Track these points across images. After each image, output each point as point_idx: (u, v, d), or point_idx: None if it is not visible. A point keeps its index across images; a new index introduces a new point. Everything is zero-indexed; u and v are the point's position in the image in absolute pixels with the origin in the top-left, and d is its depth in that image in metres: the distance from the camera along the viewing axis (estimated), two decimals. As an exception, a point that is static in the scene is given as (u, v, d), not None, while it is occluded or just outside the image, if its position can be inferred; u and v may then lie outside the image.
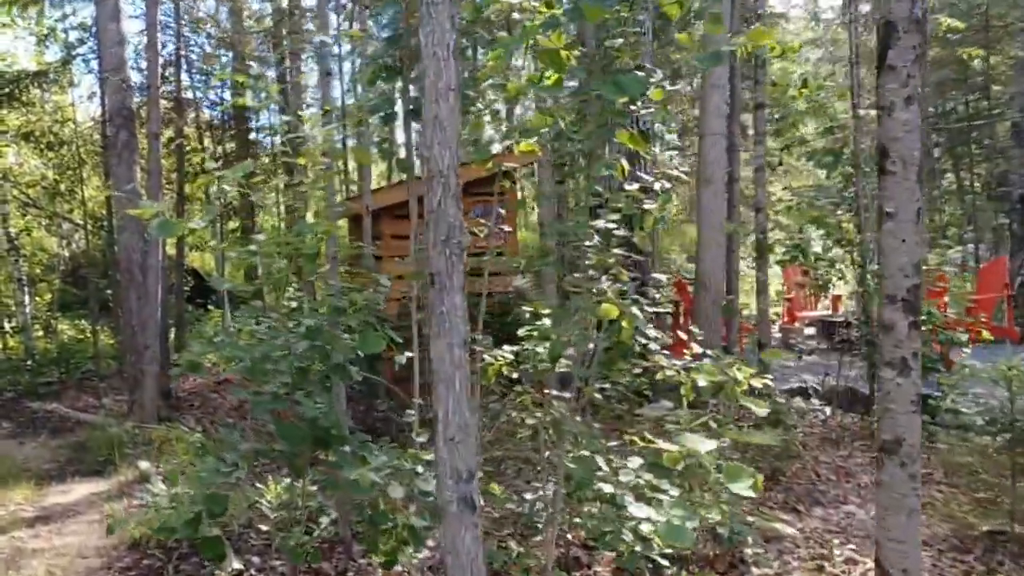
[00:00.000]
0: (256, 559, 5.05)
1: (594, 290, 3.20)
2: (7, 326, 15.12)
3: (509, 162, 4.24)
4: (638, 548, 3.12)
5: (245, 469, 3.33)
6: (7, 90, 13.68)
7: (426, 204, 2.32)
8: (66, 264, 18.47)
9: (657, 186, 3.27)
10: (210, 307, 17.13)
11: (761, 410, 2.89)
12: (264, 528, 5.29)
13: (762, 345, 7.74)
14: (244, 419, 9.01)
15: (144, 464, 7.30)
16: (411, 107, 3.61)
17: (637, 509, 3.13)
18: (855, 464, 6.75)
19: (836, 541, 4.86)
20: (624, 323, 2.99)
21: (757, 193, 7.60)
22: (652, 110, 3.18)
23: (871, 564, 4.61)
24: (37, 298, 16.95)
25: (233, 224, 17.32)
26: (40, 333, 15.56)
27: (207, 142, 16.85)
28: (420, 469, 3.06)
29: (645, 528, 3.32)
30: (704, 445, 2.56)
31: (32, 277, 16.54)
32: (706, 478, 3.95)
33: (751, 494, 2.35)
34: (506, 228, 7.37)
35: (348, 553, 5.04)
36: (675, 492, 3.53)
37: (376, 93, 3.90)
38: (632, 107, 3.18)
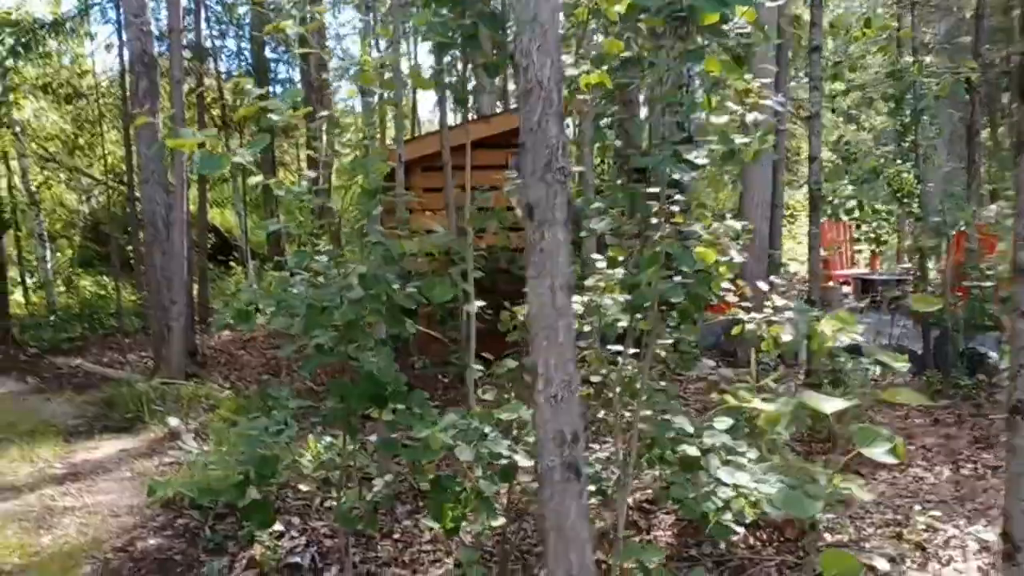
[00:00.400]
0: (296, 519, 4.84)
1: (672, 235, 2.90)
2: (28, 281, 14.97)
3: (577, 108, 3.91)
4: (727, 516, 2.84)
5: (295, 428, 3.07)
6: (23, 41, 13.32)
7: (522, 123, 1.99)
8: (86, 220, 18.27)
9: (751, 118, 2.92)
10: (232, 264, 16.94)
11: (901, 364, 2.57)
12: (304, 488, 5.07)
13: (812, 302, 7.39)
14: (275, 376, 8.79)
15: (174, 421, 7.13)
16: (468, 33, 3.25)
17: (727, 474, 2.85)
18: (915, 426, 6.45)
19: (917, 507, 4.57)
20: (721, 269, 2.68)
21: (811, 142, 7.19)
22: (748, 30, 2.82)
23: (953, 532, 4.34)
24: (58, 254, 16.80)
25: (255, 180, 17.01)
26: (62, 289, 15.43)
27: (227, 95, 16.47)
28: (488, 430, 2.78)
29: (725, 493, 3.04)
30: (830, 404, 2.25)
31: (52, 233, 16.37)
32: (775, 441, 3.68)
33: (891, 459, 2.05)
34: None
35: (392, 515, 4.83)
36: (752, 455, 3.26)
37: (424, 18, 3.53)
38: (724, 26, 2.82)
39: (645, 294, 2.61)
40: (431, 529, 4.36)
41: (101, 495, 5.55)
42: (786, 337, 3.31)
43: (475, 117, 11.05)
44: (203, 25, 13.89)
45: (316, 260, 3.03)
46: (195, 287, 13.16)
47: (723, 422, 3.05)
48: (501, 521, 2.91)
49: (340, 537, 3.64)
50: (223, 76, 15.84)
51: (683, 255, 2.59)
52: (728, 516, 2.87)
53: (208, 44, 14.50)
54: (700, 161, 2.68)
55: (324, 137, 13.49)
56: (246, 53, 16.21)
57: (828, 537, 4.19)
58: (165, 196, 8.84)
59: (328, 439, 4.95)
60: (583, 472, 2.03)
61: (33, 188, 14.15)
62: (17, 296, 14.30)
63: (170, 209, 8.87)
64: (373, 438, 3.54)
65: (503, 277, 6.60)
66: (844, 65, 7.56)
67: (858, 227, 9.17)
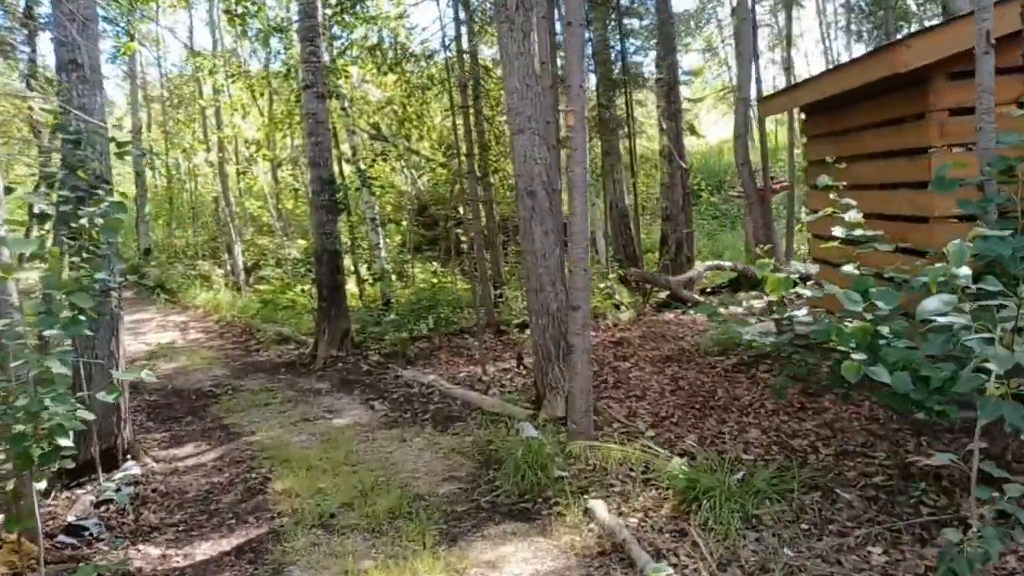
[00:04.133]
0: None
1: None
2: (363, 271, 13.57)
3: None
4: None
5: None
6: (351, -1, 11.68)
7: None
8: (413, 202, 16.91)
9: None
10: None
11: None
12: None
13: None
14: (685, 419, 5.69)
15: (601, 511, 4.31)
16: None
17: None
18: None
19: None
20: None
21: None
22: None
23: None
24: (386, 239, 15.48)
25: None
26: (393, 278, 13.92)
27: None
28: None
29: None
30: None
31: (384, 217, 15.02)
32: None
33: None
34: None
35: None
36: None
37: None
38: None
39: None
40: None
41: None
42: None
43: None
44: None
45: None
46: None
47: None
48: None
49: None
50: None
51: None
52: None
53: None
54: None
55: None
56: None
57: None
58: (547, 153, 6.11)
59: None
60: None
61: (363, 167, 12.55)
62: (350, 286, 12.87)
63: (549, 171, 6.15)
64: None
65: None
66: None
67: None
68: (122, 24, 13.25)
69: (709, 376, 7.09)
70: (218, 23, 17.98)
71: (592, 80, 13.91)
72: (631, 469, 4.86)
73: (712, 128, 29.14)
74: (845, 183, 7.15)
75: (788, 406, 5.95)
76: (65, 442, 3.51)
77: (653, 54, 19.20)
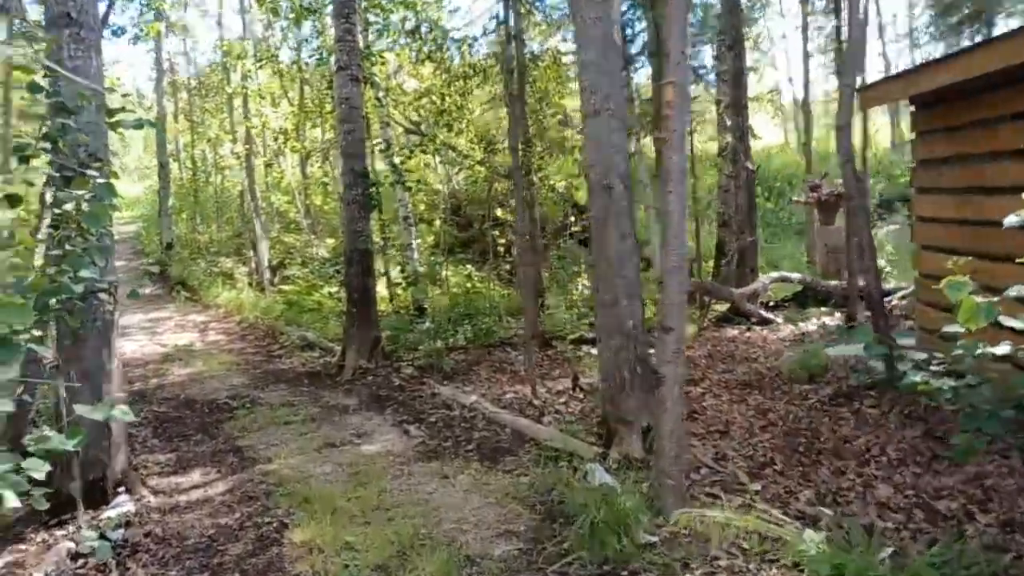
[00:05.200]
0: None
1: None
2: (393, 273, 12.62)
3: None
4: None
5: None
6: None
7: None
8: (446, 201, 15.94)
9: None
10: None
11: None
12: None
13: None
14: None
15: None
16: None
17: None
18: None
19: None
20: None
21: None
22: None
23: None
24: (418, 240, 14.53)
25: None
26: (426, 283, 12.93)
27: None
28: None
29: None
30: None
31: (416, 216, 14.07)
32: None
33: None
34: None
35: None
36: None
37: None
38: None
39: None
40: None
41: None
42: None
43: None
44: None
45: None
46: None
47: None
48: None
49: None
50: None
51: None
52: None
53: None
54: None
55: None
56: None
57: None
58: (623, 138, 5.11)
59: None
60: None
61: (397, 162, 11.60)
62: (380, 289, 11.93)
63: (627, 161, 5.15)
64: None
65: None
66: None
67: None
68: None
69: (802, 409, 6.03)
70: (248, 8, 17.17)
71: (641, 76, 12.89)
72: (741, 538, 3.83)
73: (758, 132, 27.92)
74: (964, 185, 6.10)
75: (916, 454, 4.88)
76: (10, 499, 2.59)
77: (708, 48, 18.16)
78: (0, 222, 3.35)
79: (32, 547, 4.27)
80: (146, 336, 11.87)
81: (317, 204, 18.23)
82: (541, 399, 6.93)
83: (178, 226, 20.42)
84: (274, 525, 4.55)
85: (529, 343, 7.80)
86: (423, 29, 11.82)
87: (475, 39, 12.08)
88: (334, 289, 12.42)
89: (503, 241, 14.15)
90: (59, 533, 4.41)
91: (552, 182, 13.24)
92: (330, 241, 16.97)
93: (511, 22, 9.81)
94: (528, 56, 11.20)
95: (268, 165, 17.07)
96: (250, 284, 15.87)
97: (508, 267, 14.35)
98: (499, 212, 14.26)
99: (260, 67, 14.36)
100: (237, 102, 17.56)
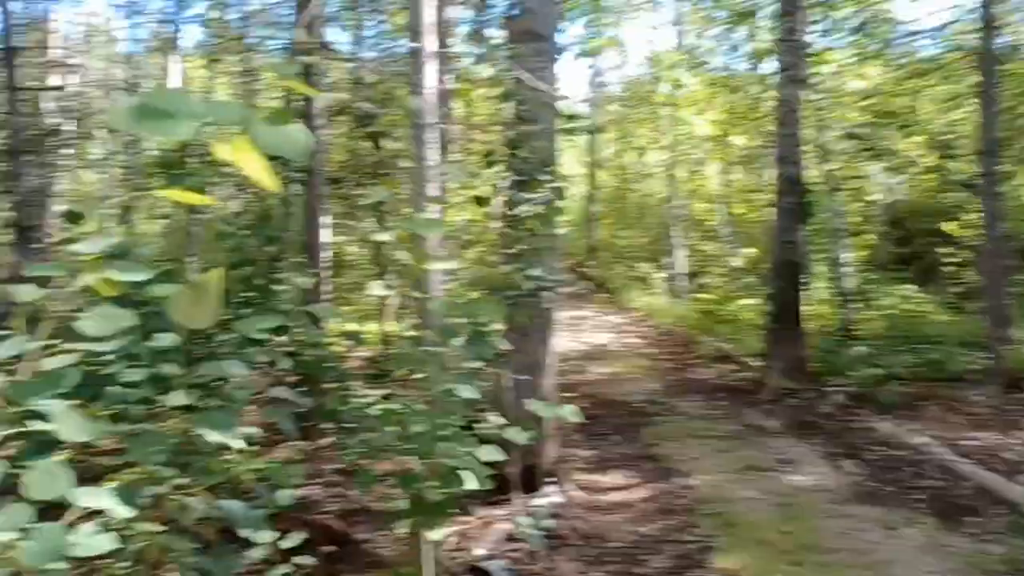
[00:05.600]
0: None
1: None
2: (821, 288, 11.67)
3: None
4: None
5: None
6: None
7: None
8: (884, 213, 14.32)
9: None
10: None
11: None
12: None
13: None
14: None
15: None
16: None
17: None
18: None
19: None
20: None
21: None
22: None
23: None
24: (850, 254, 13.23)
25: None
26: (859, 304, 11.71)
27: None
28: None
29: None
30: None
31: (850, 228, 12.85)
32: None
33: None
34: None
35: None
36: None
37: None
38: None
39: None
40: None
41: None
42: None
43: None
44: None
45: None
46: None
47: None
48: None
49: None
50: None
51: None
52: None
53: None
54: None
55: None
56: None
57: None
58: None
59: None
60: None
61: (835, 167, 10.64)
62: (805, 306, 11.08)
63: None
64: None
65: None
66: None
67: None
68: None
69: None
70: (680, 20, 17.40)
71: None
72: None
73: None
74: None
75: None
76: (471, 482, 2.70)
77: None
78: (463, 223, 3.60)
79: (474, 521, 4.61)
80: (569, 333, 12.63)
81: (739, 213, 17.80)
82: (1014, 451, 5.69)
83: (601, 230, 21.57)
84: (697, 546, 4.32)
85: (994, 381, 6.49)
86: (870, 25, 10.72)
87: (939, 29, 10.58)
88: (751, 301, 11.90)
89: (954, 260, 12.24)
90: (496, 512, 4.71)
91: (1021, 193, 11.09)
92: (747, 251, 16.41)
93: (988, 9, 8.34)
94: (1008, 47, 9.46)
95: (692, 173, 17.13)
96: (665, 290, 16.06)
97: (957, 289, 12.38)
98: (949, 226, 12.36)
99: (693, 75, 14.39)
100: (664, 111, 17.91)
